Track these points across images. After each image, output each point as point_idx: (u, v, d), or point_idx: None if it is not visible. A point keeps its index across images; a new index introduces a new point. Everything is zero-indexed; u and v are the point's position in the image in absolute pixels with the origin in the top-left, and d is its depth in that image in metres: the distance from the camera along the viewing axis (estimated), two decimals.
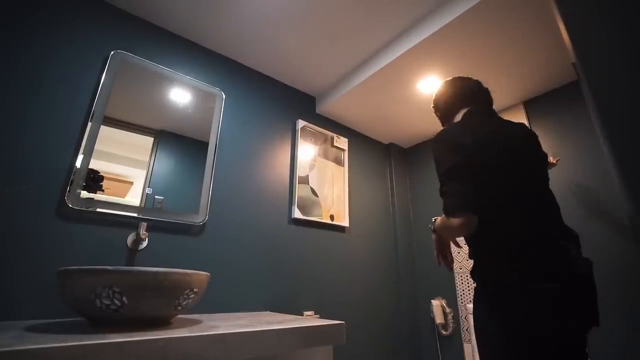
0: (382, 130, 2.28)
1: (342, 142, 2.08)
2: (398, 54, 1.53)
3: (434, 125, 2.20)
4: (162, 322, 0.87)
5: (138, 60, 1.36)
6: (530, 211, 0.78)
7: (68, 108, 1.17)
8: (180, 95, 1.45)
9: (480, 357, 0.80)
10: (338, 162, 2.03)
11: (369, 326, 1.80)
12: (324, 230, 1.81)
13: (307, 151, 1.87)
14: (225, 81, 1.64)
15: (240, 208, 1.51)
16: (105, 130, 1.22)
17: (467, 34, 1.40)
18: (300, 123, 1.88)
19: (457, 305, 1.91)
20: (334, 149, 2.04)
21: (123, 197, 1.22)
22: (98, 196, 1.14)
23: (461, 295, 1.91)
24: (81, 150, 1.14)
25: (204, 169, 1.42)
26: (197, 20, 1.47)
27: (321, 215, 1.81)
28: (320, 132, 1.98)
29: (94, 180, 1.17)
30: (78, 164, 1.12)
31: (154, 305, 0.80)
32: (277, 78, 1.88)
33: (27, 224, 1.00)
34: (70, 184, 1.09)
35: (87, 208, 1.10)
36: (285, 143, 1.82)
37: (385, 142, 2.45)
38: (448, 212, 0.79)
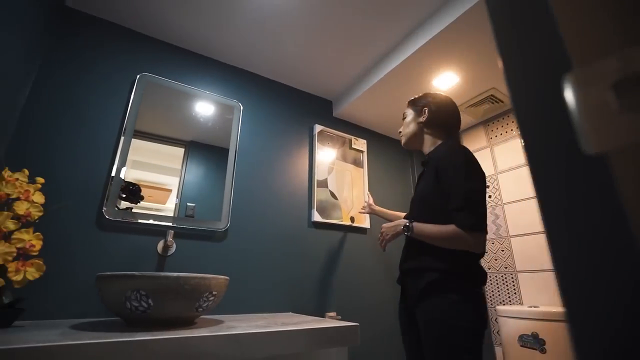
0: (397, 131, 2.26)
1: (361, 144, 2.09)
2: (411, 51, 1.52)
3: None
4: (186, 323, 0.94)
5: (161, 80, 1.47)
6: None
7: (102, 127, 1.30)
8: (203, 109, 1.56)
9: (439, 337, 0.87)
10: (357, 164, 2.04)
11: (392, 328, 1.79)
12: (344, 232, 1.83)
13: (325, 155, 1.90)
14: (242, 92, 1.72)
15: (260, 214, 1.57)
16: (140, 144, 1.35)
17: (481, 26, 1.36)
18: (317, 128, 1.92)
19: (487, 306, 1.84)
20: (353, 151, 2.05)
21: (164, 204, 1.34)
22: (136, 207, 1.27)
23: (491, 297, 1.84)
24: (115, 165, 1.26)
25: (225, 178, 1.51)
26: (212, 36, 1.57)
27: (341, 218, 1.83)
28: (338, 136, 2.01)
29: (132, 193, 1.29)
30: (113, 176, 1.24)
31: (176, 307, 0.87)
32: (292, 85, 1.94)
33: (72, 234, 1.13)
34: (107, 198, 1.21)
35: (123, 219, 1.22)
36: (303, 148, 1.86)
37: None
38: (470, 227, 0.85)
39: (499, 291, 1.81)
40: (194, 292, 0.88)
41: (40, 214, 0.93)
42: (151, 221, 1.27)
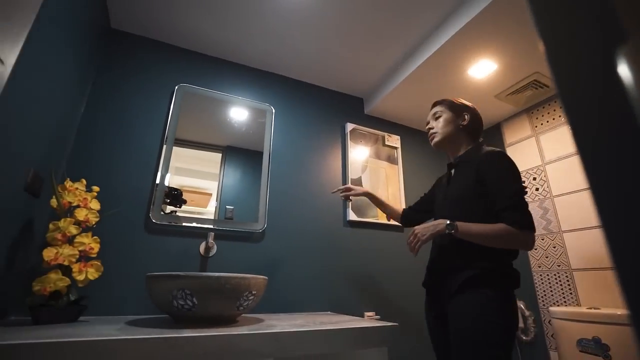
0: None
1: (394, 140, 2.04)
2: (444, 40, 1.46)
3: (491, 112, 2.03)
4: (228, 320, 0.98)
5: (197, 89, 1.55)
6: None
7: (146, 138, 1.40)
8: (237, 114, 1.62)
9: (473, 331, 0.87)
10: (391, 161, 2.00)
11: None
12: (381, 230, 1.80)
13: (358, 153, 1.89)
14: (273, 96, 1.76)
15: (295, 214, 1.60)
16: (181, 151, 1.43)
17: (519, 6, 1.27)
18: (349, 126, 1.90)
19: (538, 307, 1.72)
20: (386, 148, 2.01)
21: (205, 207, 1.42)
22: (179, 210, 1.35)
23: (543, 297, 1.71)
24: (159, 172, 1.34)
25: (261, 180, 1.55)
26: (242, 43, 1.62)
27: (377, 216, 1.80)
28: (371, 133, 1.98)
29: (175, 197, 1.37)
30: (157, 184, 1.33)
31: (219, 305, 0.91)
32: (322, 85, 1.94)
33: (124, 238, 1.23)
34: (153, 203, 1.29)
35: (168, 222, 1.30)
36: (336, 148, 1.86)
37: None
38: (524, 225, 0.88)
39: (551, 291, 1.68)
40: (234, 291, 0.91)
41: (97, 219, 1.02)
42: (193, 224, 1.34)
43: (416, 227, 1.01)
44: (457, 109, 1.14)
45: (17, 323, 0.87)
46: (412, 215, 1.36)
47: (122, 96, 1.41)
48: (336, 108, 1.95)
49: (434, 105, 1.20)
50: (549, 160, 1.81)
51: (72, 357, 0.64)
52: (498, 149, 1.02)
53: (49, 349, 0.63)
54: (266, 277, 1.03)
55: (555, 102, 1.83)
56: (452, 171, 1.14)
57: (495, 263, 0.93)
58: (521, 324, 1.71)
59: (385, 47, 1.64)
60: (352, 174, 1.82)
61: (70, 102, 1.18)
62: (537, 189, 1.85)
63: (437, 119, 1.16)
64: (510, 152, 2.04)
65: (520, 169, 1.90)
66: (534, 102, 1.91)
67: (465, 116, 1.12)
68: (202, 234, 1.34)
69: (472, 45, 1.47)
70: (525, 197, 0.94)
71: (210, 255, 1.33)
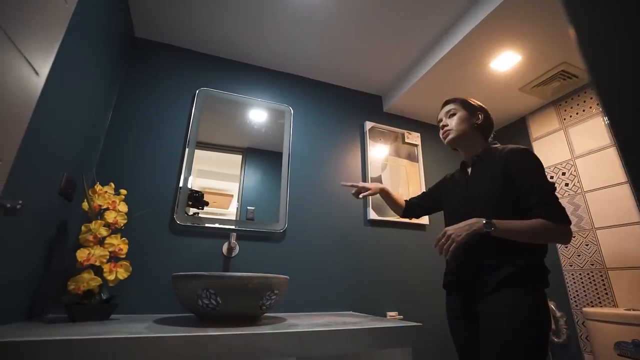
0: None
1: (414, 138, 2.01)
2: (464, 34, 1.42)
3: (515, 105, 1.95)
4: (252, 319, 0.99)
5: (218, 93, 1.58)
6: None
7: (170, 141, 1.44)
8: (256, 115, 1.64)
9: (510, 330, 0.85)
10: (411, 158, 1.97)
11: None
12: (402, 229, 1.78)
13: (377, 152, 1.87)
14: (292, 97, 1.77)
15: (316, 214, 1.60)
16: (202, 154, 1.47)
17: None
18: (368, 125, 1.89)
19: (570, 308, 1.64)
20: (406, 145, 1.98)
21: (227, 209, 1.45)
22: (202, 212, 1.38)
23: (575, 297, 1.63)
24: (182, 174, 1.38)
25: (281, 181, 1.56)
26: (260, 46, 1.63)
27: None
28: (390, 131, 1.95)
29: (197, 199, 1.40)
30: (181, 186, 1.37)
31: (242, 304, 0.93)
32: (340, 84, 1.94)
33: (151, 238, 1.27)
34: (177, 205, 1.33)
35: (191, 223, 1.33)
36: (355, 146, 1.85)
37: None
38: (563, 219, 0.88)
39: (584, 291, 1.60)
40: (257, 291, 0.93)
41: (125, 221, 1.06)
42: (216, 225, 1.37)
43: (448, 227, 0.98)
44: (471, 108, 1.14)
45: (55, 320, 0.92)
46: (416, 209, 1.34)
47: (146, 101, 1.46)
48: (354, 107, 1.94)
49: (447, 103, 1.19)
50: (579, 154, 1.73)
51: (106, 353, 0.67)
52: (522, 146, 1.02)
53: (85, 345, 0.66)
54: (287, 277, 1.04)
55: (585, 92, 1.74)
56: (469, 169, 1.14)
57: (533, 260, 0.92)
58: (552, 325, 1.64)
59: (403, 44, 1.62)
60: (372, 173, 1.80)
61: (98, 108, 1.23)
62: (566, 184, 1.76)
63: (451, 116, 1.15)
64: (537, 146, 1.96)
65: (547, 164, 1.86)
66: (561, 93, 1.83)
67: (480, 115, 1.13)
68: (224, 234, 1.37)
69: (494, 38, 1.42)
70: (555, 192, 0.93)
71: (233, 255, 1.35)
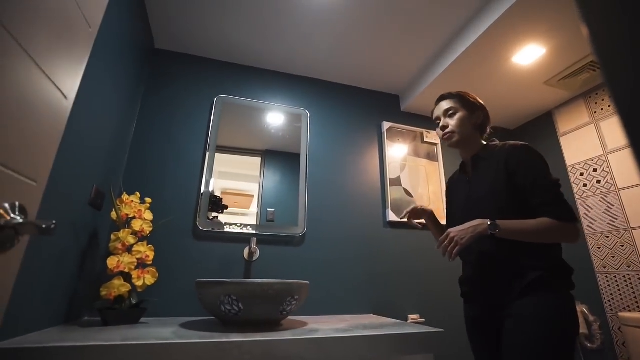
0: None
1: (433, 137, 1.96)
2: (484, 28, 1.37)
3: (540, 100, 1.87)
4: (273, 324, 1.01)
5: (235, 99, 1.62)
6: None
7: (190, 148, 1.48)
8: (273, 119, 1.67)
9: (538, 337, 0.82)
10: (431, 158, 1.93)
11: None
12: (422, 230, 1.74)
13: (396, 152, 1.84)
14: (308, 100, 1.78)
15: (334, 216, 1.60)
16: (223, 157, 1.51)
17: None
18: (386, 125, 1.87)
19: (604, 312, 1.55)
20: (425, 145, 1.94)
21: (248, 209, 1.49)
22: (222, 215, 1.42)
23: (610, 301, 1.55)
24: (203, 180, 1.42)
25: (299, 185, 1.58)
26: (276, 51, 1.65)
27: None
28: (408, 130, 1.92)
29: (216, 204, 1.44)
30: (202, 192, 1.41)
31: (263, 310, 0.94)
32: (356, 85, 1.92)
33: (175, 245, 1.32)
34: (199, 211, 1.37)
35: (213, 229, 1.37)
36: (372, 147, 1.83)
37: None
38: (570, 218, 0.85)
39: (620, 294, 1.51)
40: (277, 297, 0.94)
41: (151, 229, 1.11)
42: (237, 230, 1.40)
43: (451, 229, 0.94)
44: (471, 107, 1.08)
45: (90, 324, 0.98)
46: None
47: (166, 111, 1.51)
48: (371, 107, 1.92)
49: (443, 98, 1.11)
50: (612, 149, 1.63)
51: (137, 357, 0.70)
52: (522, 142, 0.99)
53: (119, 350, 0.70)
54: (308, 282, 1.05)
55: None
56: (470, 170, 1.09)
57: (556, 261, 0.89)
58: (584, 330, 1.57)
59: (420, 41, 1.58)
60: (391, 174, 1.78)
61: (123, 121, 1.29)
62: (598, 182, 1.67)
63: (450, 116, 1.08)
64: (565, 142, 1.87)
65: (576, 160, 1.77)
66: (591, 85, 1.73)
67: (480, 114, 1.08)
68: (245, 239, 1.39)
69: (515, 32, 1.37)
70: (560, 189, 0.89)
71: (254, 259, 1.38)
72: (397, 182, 1.78)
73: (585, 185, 1.73)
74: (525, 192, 0.91)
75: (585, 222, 1.71)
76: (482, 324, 0.99)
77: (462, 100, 1.08)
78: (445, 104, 1.09)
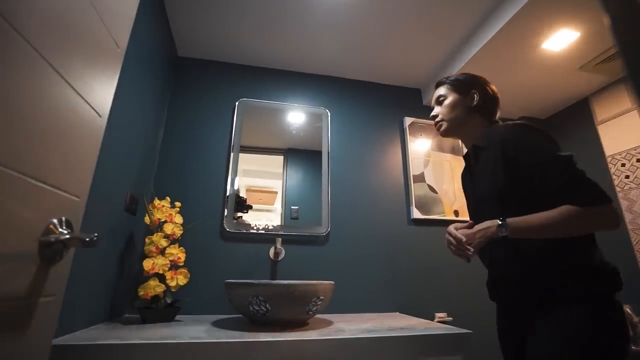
0: (507, 105, 1.96)
1: None
2: (510, 15, 1.30)
3: (574, 86, 1.76)
4: (300, 323, 1.04)
5: (256, 102, 1.65)
6: None
7: (215, 150, 1.53)
8: (295, 119, 1.69)
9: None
10: (456, 152, 1.87)
11: None
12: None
13: (419, 147, 1.81)
14: (328, 99, 1.78)
15: (358, 215, 1.60)
16: (246, 157, 1.56)
17: None
18: (407, 120, 1.83)
19: None
20: (450, 139, 1.89)
21: (272, 205, 1.54)
22: (249, 219, 1.47)
23: None
24: (229, 182, 1.47)
25: (322, 184, 1.59)
26: (294, 51, 1.65)
27: (443, 212, 1.71)
28: (432, 125, 1.87)
29: (241, 204, 1.49)
30: (228, 195, 1.45)
31: (290, 310, 0.97)
32: (376, 81, 1.90)
33: (205, 246, 1.38)
34: (225, 213, 1.42)
35: (239, 230, 1.42)
36: (394, 144, 1.81)
37: (515, 116, 2.09)
38: (597, 198, 0.69)
39: None
40: (303, 298, 0.96)
41: (181, 231, 1.16)
42: (262, 231, 1.44)
43: (462, 231, 0.83)
44: (463, 88, 0.95)
45: (130, 321, 1.05)
46: None
47: (191, 116, 1.56)
48: (392, 102, 1.89)
49: (438, 85, 1.01)
50: None
51: (173, 356, 0.75)
52: (520, 121, 0.83)
53: (157, 348, 0.75)
54: (333, 282, 1.07)
55: None
56: (470, 163, 0.96)
57: (588, 259, 0.73)
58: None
59: (442, 32, 1.53)
60: (414, 170, 1.75)
61: (151, 129, 1.35)
62: (627, 177, 1.56)
63: (440, 102, 0.98)
64: (604, 130, 1.75)
65: (617, 150, 1.65)
66: None
67: (475, 95, 0.93)
68: (270, 239, 1.43)
69: (545, 17, 1.29)
70: (575, 164, 0.73)
71: (280, 259, 1.41)
72: (420, 178, 1.75)
73: (627, 177, 1.62)
74: (534, 180, 0.75)
75: (628, 217, 1.60)
76: (508, 336, 0.88)
77: (454, 83, 0.96)
78: (438, 91, 1.00)
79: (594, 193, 0.69)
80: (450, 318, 1.50)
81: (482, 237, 0.79)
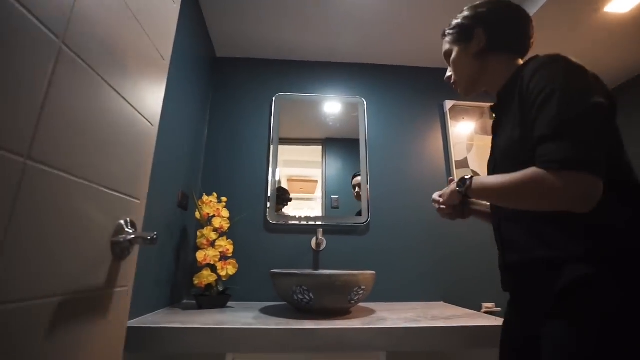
0: None
1: None
2: None
3: None
4: (343, 312, 1.07)
5: (292, 95, 1.68)
6: None
7: (256, 145, 1.60)
8: (331, 109, 1.70)
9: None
10: None
11: None
12: None
13: (461, 131, 1.73)
14: (364, 87, 1.75)
15: (398, 203, 1.58)
16: (286, 148, 1.61)
17: None
18: (448, 104, 1.75)
19: None
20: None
21: (313, 194, 1.58)
22: (290, 210, 1.53)
23: None
24: (269, 176, 1.53)
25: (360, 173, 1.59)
26: (328, 42, 1.64)
27: None
28: (474, 107, 1.77)
29: (282, 198, 1.54)
30: (270, 187, 1.52)
31: (332, 299, 1.00)
32: (412, 64, 1.82)
33: (250, 238, 1.46)
34: (268, 206, 1.49)
35: (281, 221, 1.48)
36: (435, 129, 1.74)
37: None
38: (568, 163, 0.49)
39: None
40: (345, 288, 0.99)
41: (228, 225, 1.24)
42: (303, 222, 1.50)
43: (435, 193, 0.80)
44: (463, 34, 0.76)
45: (188, 307, 1.15)
46: None
47: (231, 114, 1.64)
48: (430, 86, 1.81)
49: (442, 38, 0.84)
50: None
51: (228, 339, 0.83)
52: (552, 53, 0.60)
53: (213, 332, 0.83)
54: (374, 272, 1.08)
55: None
56: (497, 116, 0.76)
57: (622, 244, 0.52)
58: None
59: None
60: (457, 156, 1.68)
61: (197, 129, 1.44)
62: None
63: (449, 60, 0.81)
64: None
65: None
66: None
67: (479, 33, 0.73)
68: (312, 230, 1.47)
69: None
70: (589, 118, 0.52)
71: (321, 249, 1.45)
72: (464, 163, 1.68)
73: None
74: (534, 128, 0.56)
75: None
76: (513, 338, 0.68)
77: (452, 33, 0.79)
78: (443, 47, 0.83)
79: (568, 153, 0.49)
80: (499, 309, 1.44)
81: (449, 200, 0.73)
